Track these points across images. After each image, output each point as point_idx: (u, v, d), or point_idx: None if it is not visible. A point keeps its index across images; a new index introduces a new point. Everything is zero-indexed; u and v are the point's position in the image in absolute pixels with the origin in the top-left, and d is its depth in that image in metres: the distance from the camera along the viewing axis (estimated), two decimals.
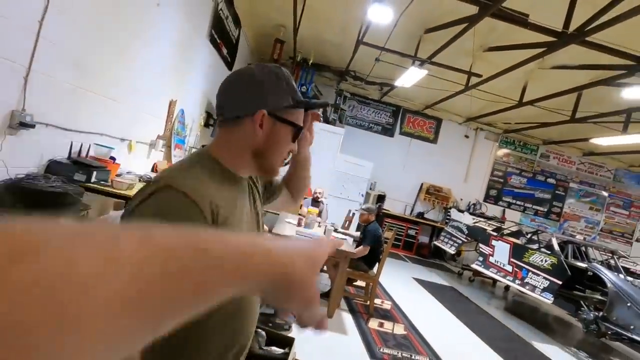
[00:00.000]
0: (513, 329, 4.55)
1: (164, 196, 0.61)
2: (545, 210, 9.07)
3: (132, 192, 2.41)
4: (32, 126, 1.95)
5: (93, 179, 2.28)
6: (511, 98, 6.27)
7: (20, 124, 1.87)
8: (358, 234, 4.14)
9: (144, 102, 3.26)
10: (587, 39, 3.83)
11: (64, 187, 1.97)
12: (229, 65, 5.65)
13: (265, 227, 0.83)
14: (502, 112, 6.99)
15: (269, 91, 0.75)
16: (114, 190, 2.37)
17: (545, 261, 4.73)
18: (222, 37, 4.92)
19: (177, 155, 4.17)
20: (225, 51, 5.24)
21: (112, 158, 2.75)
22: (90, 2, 2.22)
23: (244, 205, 0.80)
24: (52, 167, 2.17)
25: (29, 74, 1.87)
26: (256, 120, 0.74)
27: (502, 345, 3.88)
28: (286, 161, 0.84)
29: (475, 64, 5.48)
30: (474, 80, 5.73)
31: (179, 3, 3.49)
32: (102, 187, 2.33)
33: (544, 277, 4.62)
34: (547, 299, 4.46)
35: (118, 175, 2.60)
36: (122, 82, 2.83)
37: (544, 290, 4.54)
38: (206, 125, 5.41)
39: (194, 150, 4.76)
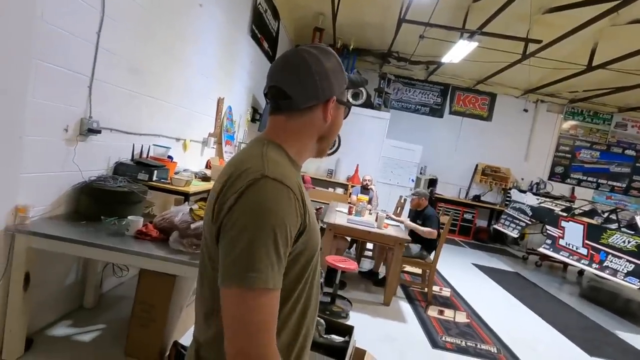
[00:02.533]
0: (591, 317, 4.15)
1: (263, 186, 0.61)
2: (624, 185, 8.10)
3: (189, 189, 2.53)
4: (99, 132, 2.11)
5: (154, 178, 2.43)
6: (578, 63, 5.61)
7: (89, 130, 2.02)
8: (407, 220, 4.00)
9: (194, 102, 3.40)
10: None
11: (130, 186, 2.12)
12: (271, 59, 5.71)
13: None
14: (567, 80, 6.30)
15: (336, 77, 0.75)
16: (174, 187, 2.50)
17: (629, 242, 4.22)
18: (262, 31, 4.97)
19: (228, 152, 4.31)
20: (266, 45, 5.30)
21: (170, 157, 2.91)
22: (139, 10, 2.33)
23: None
24: (119, 168, 2.34)
25: (92, 83, 2.02)
26: (328, 108, 0.75)
27: (580, 335, 3.56)
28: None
29: (533, 30, 4.97)
30: (532, 47, 5.20)
31: (219, 1, 3.57)
32: (163, 185, 2.47)
33: (628, 260, 4.13)
34: (633, 284, 3.99)
35: (176, 173, 2.74)
36: (173, 84, 2.97)
37: (628, 274, 4.06)
38: (252, 120, 5.54)
39: (243, 145, 4.90)
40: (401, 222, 3.99)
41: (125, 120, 2.40)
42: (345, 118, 0.83)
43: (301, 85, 0.72)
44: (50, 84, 1.76)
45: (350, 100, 6.19)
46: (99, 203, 2.00)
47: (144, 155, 2.65)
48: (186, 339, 2.10)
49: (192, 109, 3.38)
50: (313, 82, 0.72)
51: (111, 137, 2.27)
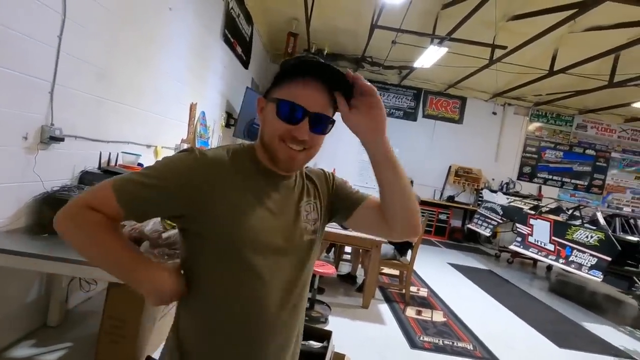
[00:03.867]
0: (560, 310, 4.34)
1: (183, 152, 0.73)
2: (586, 183, 8.56)
3: None
4: (62, 139, 2.01)
5: None
6: (540, 68, 5.91)
7: (51, 138, 1.92)
8: None
9: (166, 108, 3.31)
10: None
11: None
12: (245, 63, 5.66)
13: (308, 227, 0.79)
14: (532, 84, 6.62)
15: (270, 79, 0.76)
16: None
17: (591, 237, 4.45)
18: (235, 35, 4.92)
19: None
20: (239, 50, 5.25)
21: (140, 164, 2.82)
22: (105, 13, 2.25)
23: (269, 197, 0.76)
24: (85, 177, 2.24)
25: (53, 88, 1.92)
26: (258, 108, 0.78)
27: (550, 328, 3.70)
28: (297, 148, 0.72)
29: (499, 36, 5.19)
30: (498, 53, 5.44)
31: (189, 5, 3.50)
32: None
33: (591, 254, 4.36)
34: (596, 277, 4.20)
35: None
36: (142, 89, 2.88)
37: (592, 267, 4.28)
38: (227, 125, 5.46)
39: None
40: None
41: (92, 127, 2.31)
42: (285, 119, 0.70)
43: None
44: (5, 89, 1.67)
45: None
46: None
47: (112, 164, 2.55)
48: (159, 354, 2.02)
49: (163, 114, 3.29)
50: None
51: (76, 144, 2.17)
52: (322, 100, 0.72)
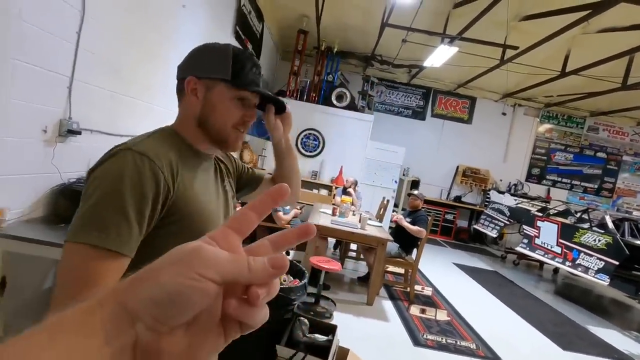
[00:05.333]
0: (565, 313, 4.33)
1: (123, 156, 0.65)
2: (596, 187, 8.46)
3: None
4: (79, 133, 2.07)
5: None
6: (552, 69, 5.85)
7: (68, 131, 1.99)
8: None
9: (177, 104, 3.36)
10: None
11: None
12: None
13: (237, 208, 0.87)
14: (543, 85, 6.55)
15: (199, 59, 0.78)
16: None
17: (599, 241, 4.42)
18: (246, 33, 4.96)
19: None
20: (250, 47, 5.28)
21: None
22: (122, 10, 2.31)
23: (207, 180, 0.82)
24: None
25: (72, 83, 1.98)
26: (187, 87, 0.77)
27: (554, 330, 3.70)
28: (243, 130, 0.82)
29: (511, 36, 5.15)
30: (509, 53, 5.40)
31: (203, 2, 3.55)
32: None
33: (598, 258, 4.33)
34: (603, 281, 4.18)
35: None
36: (155, 85, 2.93)
37: (599, 271, 4.26)
38: None
39: None
40: (407, 227, 3.92)
41: (106, 121, 2.37)
42: (246, 106, 0.79)
43: (179, 66, 0.82)
44: (28, 84, 1.73)
45: (335, 102, 6.15)
46: (77, 205, 1.96)
47: None
48: None
49: (175, 110, 3.34)
50: (183, 61, 0.80)
51: (91, 138, 2.24)
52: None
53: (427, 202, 7.98)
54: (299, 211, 4.45)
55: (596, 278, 4.27)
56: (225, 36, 4.39)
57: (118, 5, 2.27)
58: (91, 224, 0.59)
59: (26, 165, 1.82)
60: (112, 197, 0.61)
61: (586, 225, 4.83)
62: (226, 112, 0.77)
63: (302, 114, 6.31)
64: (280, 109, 0.91)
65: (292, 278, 2.22)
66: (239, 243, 0.28)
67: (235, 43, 4.69)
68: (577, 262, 4.58)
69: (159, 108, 3.07)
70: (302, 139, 6.51)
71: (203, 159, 0.81)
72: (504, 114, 8.31)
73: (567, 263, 4.72)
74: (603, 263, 4.27)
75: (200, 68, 0.77)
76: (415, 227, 3.78)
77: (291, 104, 6.22)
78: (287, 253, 4.27)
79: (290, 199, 1.11)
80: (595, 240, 4.48)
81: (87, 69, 2.07)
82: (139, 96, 2.70)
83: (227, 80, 0.76)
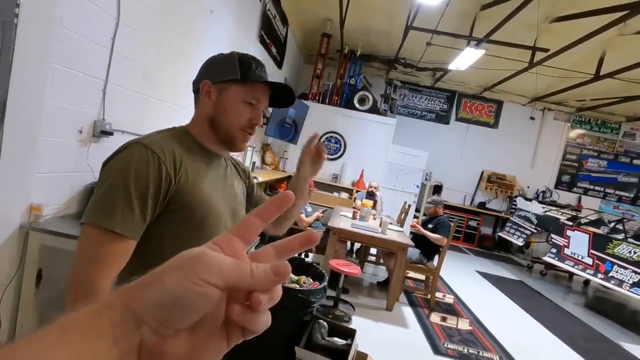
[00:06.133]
0: (596, 328, 4.12)
1: (131, 149, 0.74)
2: (632, 195, 8.03)
3: None
4: (111, 134, 2.16)
5: None
6: (585, 72, 5.61)
7: (102, 132, 2.08)
8: (421, 228, 4.01)
9: None
10: None
11: None
12: (279, 63, 5.78)
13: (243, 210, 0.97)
14: (575, 89, 6.29)
15: (213, 67, 0.87)
16: None
17: (635, 253, 4.19)
18: (270, 36, 5.04)
19: (236, 155, 4.36)
20: (274, 50, 5.36)
21: None
22: (153, 16, 2.40)
23: (214, 176, 0.86)
24: None
25: (106, 86, 2.08)
26: (202, 90, 0.85)
27: (584, 345, 3.53)
28: (251, 133, 0.88)
29: (541, 38, 4.98)
30: (539, 55, 5.22)
31: (229, 7, 3.64)
32: None
33: (634, 271, 4.10)
34: (638, 295, 3.96)
35: None
36: (183, 88, 3.03)
37: (634, 285, 4.03)
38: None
39: (250, 147, 4.95)
40: (426, 235, 3.85)
41: (137, 123, 2.46)
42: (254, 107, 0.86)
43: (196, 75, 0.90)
44: (66, 87, 1.82)
45: (357, 105, 6.12)
46: None
47: None
48: None
49: None
50: (200, 71, 0.89)
51: (123, 139, 2.32)
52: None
53: (449, 207, 7.84)
54: (321, 214, 4.46)
55: (631, 292, 4.04)
56: (250, 40, 4.47)
57: (150, 11, 2.36)
58: (100, 208, 0.68)
59: (62, 164, 1.92)
60: (119, 186, 0.69)
61: (621, 236, 4.59)
62: (235, 113, 0.84)
63: (324, 117, 6.33)
64: (290, 100, 0.94)
65: (311, 280, 2.23)
66: (242, 249, 0.28)
67: (259, 46, 4.78)
68: (610, 274, 4.36)
69: (185, 110, 3.16)
70: (323, 142, 6.53)
71: (212, 157, 0.88)
72: (532, 118, 8.04)
73: (599, 275, 4.50)
74: (639, 276, 4.04)
75: (212, 74, 0.86)
76: (435, 235, 3.70)
77: (313, 107, 6.27)
78: (306, 255, 4.28)
79: (278, 229, 1.12)
80: (630, 252, 4.24)
81: (119, 73, 2.16)
82: (166, 98, 2.80)
83: (238, 80, 0.83)
